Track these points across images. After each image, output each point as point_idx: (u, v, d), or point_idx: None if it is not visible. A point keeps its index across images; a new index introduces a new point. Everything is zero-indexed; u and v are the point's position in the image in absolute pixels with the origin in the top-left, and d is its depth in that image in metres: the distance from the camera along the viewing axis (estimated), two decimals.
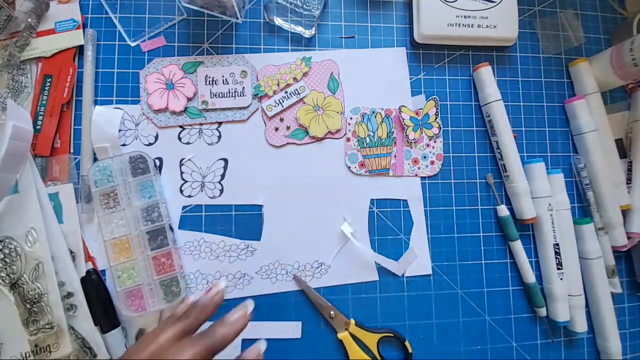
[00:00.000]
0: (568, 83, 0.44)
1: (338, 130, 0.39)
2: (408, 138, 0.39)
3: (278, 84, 0.38)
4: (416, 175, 0.39)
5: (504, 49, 0.42)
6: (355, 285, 0.38)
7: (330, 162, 0.39)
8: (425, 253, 0.39)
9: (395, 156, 0.39)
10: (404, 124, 0.39)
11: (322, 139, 0.39)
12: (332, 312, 0.36)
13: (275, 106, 0.38)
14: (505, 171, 0.40)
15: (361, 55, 0.41)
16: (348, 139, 0.39)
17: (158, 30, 0.38)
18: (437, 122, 0.40)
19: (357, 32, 0.41)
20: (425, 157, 0.40)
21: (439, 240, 0.39)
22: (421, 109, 0.40)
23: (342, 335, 0.36)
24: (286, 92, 0.39)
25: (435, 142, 0.40)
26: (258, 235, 0.37)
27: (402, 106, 0.39)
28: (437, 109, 0.40)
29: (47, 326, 0.32)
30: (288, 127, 0.39)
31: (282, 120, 0.39)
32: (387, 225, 0.39)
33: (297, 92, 0.39)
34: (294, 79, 0.39)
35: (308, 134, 0.38)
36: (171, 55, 0.38)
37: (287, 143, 0.38)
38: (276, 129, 0.38)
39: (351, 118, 0.39)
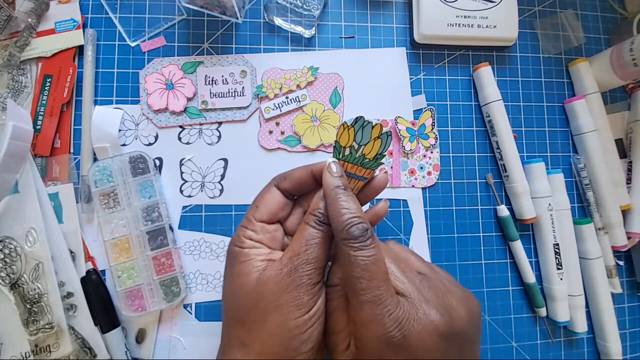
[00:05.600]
0: (568, 83, 0.44)
1: (332, 145, 0.39)
2: (404, 149, 0.39)
3: (281, 88, 0.38)
4: (413, 186, 0.39)
5: (504, 49, 0.42)
6: None
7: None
8: (425, 253, 0.39)
9: (391, 167, 0.39)
10: (400, 135, 0.39)
11: (314, 150, 0.39)
12: None
13: (273, 109, 0.38)
14: (505, 171, 0.40)
15: (361, 55, 0.40)
16: None
17: (158, 30, 0.38)
18: (434, 133, 0.40)
19: (357, 32, 0.41)
20: (422, 168, 0.40)
21: (439, 240, 0.39)
22: (421, 108, 0.40)
23: None
24: (287, 98, 0.39)
25: (432, 152, 0.40)
26: None
27: (398, 117, 0.39)
28: (434, 119, 0.40)
29: (47, 326, 0.32)
30: (282, 133, 0.38)
31: (277, 124, 0.39)
32: (387, 225, 0.39)
33: (297, 100, 0.39)
34: (298, 86, 0.39)
35: (301, 142, 0.38)
36: (171, 55, 0.38)
37: (278, 148, 0.38)
38: (270, 132, 0.38)
39: None
